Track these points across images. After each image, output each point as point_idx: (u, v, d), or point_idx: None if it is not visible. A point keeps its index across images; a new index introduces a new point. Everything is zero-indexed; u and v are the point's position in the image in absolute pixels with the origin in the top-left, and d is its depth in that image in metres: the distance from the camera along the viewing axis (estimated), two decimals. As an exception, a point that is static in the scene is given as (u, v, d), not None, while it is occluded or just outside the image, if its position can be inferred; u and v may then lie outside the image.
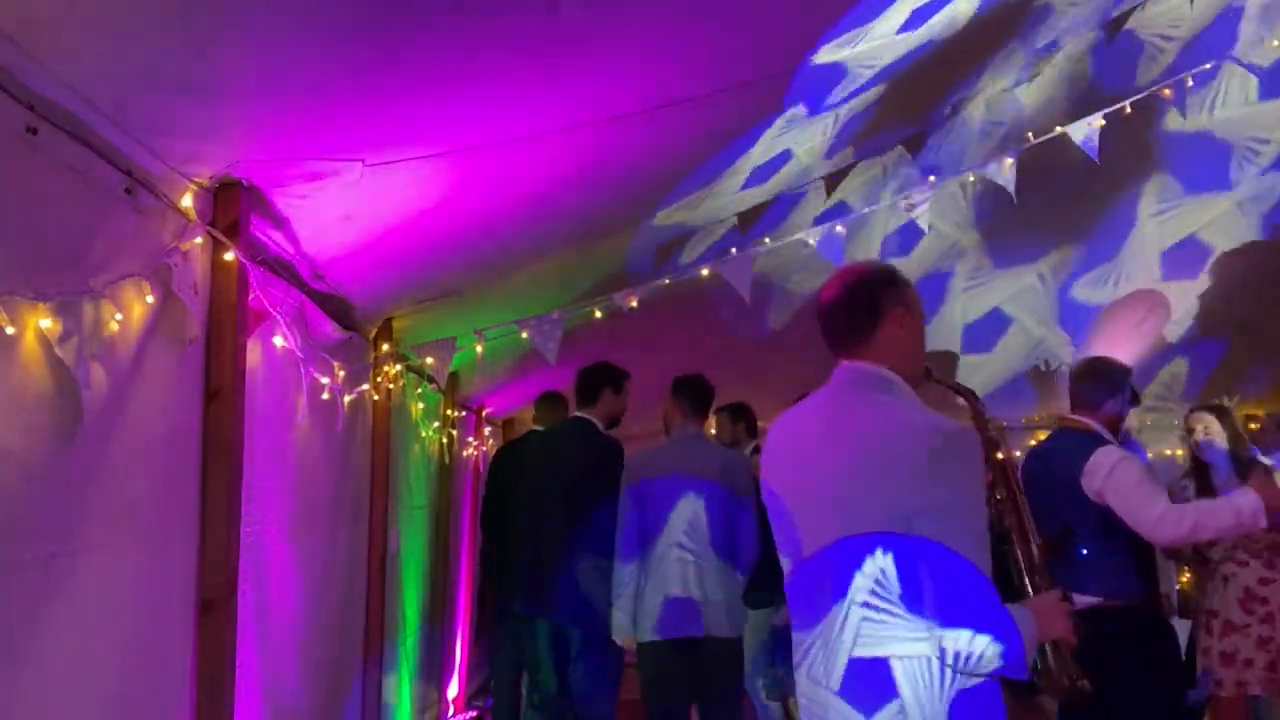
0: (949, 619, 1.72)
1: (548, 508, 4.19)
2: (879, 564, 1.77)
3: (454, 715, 5.87)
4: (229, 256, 2.41)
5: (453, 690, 5.95)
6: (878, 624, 1.77)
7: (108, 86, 1.84)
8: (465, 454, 6.27)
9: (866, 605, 1.78)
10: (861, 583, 1.78)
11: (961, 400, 2.31)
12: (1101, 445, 3.61)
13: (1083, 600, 3.61)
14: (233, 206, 2.41)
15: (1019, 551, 2.18)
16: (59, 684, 1.85)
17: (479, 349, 4.00)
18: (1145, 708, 3.57)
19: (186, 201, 2.27)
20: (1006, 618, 1.74)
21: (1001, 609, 1.74)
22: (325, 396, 3.24)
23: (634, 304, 3.91)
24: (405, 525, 4.64)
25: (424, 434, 4.96)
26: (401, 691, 4.57)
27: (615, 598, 3.91)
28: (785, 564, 1.98)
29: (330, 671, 3.53)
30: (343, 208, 2.76)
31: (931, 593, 1.74)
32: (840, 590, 1.81)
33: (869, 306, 1.98)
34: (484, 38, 2.13)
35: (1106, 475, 3.49)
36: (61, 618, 1.84)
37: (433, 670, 5.35)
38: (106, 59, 1.78)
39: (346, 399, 3.46)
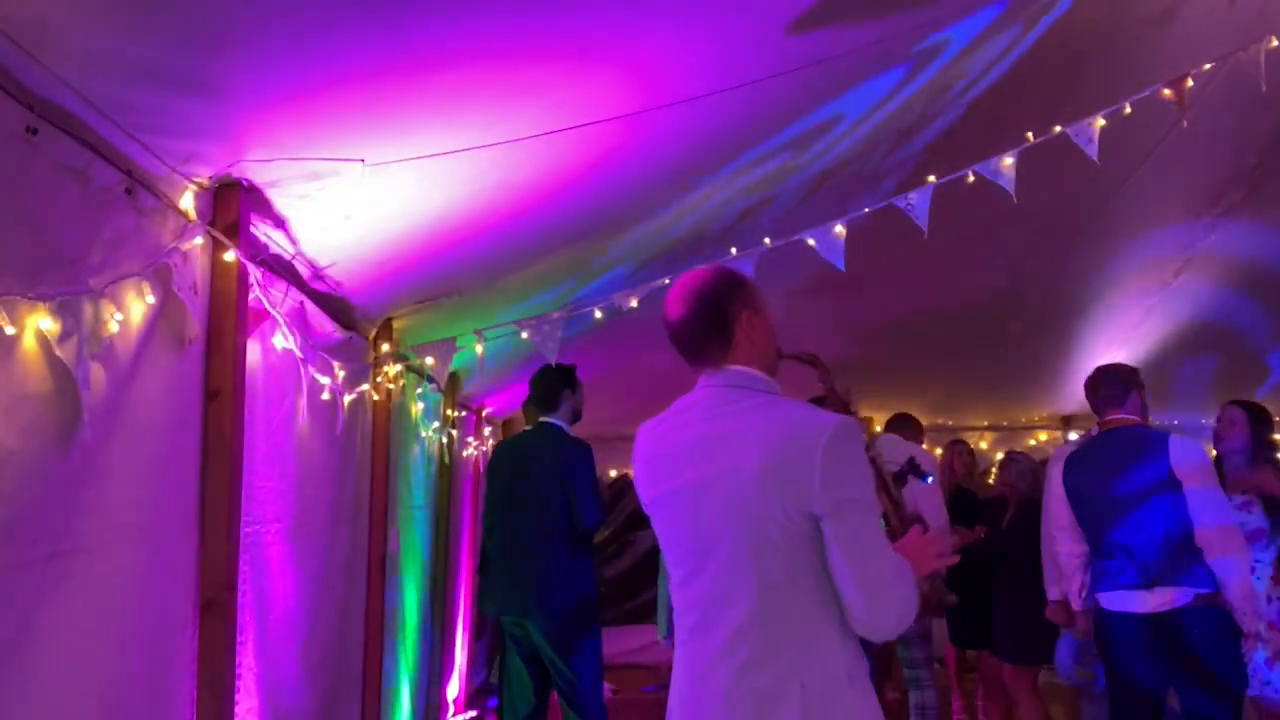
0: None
1: (517, 510, 4.38)
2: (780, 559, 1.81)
3: (454, 715, 5.87)
4: (229, 256, 2.41)
5: (453, 690, 5.95)
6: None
7: (108, 86, 1.84)
8: (465, 454, 6.27)
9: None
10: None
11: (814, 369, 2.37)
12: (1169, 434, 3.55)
13: (1179, 595, 3.44)
14: (233, 206, 2.41)
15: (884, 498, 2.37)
16: (58, 684, 1.85)
17: (479, 349, 4.00)
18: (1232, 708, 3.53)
19: (186, 201, 2.28)
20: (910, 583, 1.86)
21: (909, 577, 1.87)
22: (325, 396, 3.24)
23: (634, 304, 3.90)
24: (405, 525, 4.64)
25: (424, 434, 4.96)
26: (401, 691, 4.57)
27: None
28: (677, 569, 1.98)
29: (330, 671, 3.53)
30: (343, 208, 2.76)
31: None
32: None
33: (718, 326, 1.98)
34: (486, 37, 2.13)
35: (1197, 462, 3.47)
36: (61, 618, 1.84)
37: (433, 670, 5.35)
38: (106, 59, 1.78)
39: (346, 399, 3.46)
